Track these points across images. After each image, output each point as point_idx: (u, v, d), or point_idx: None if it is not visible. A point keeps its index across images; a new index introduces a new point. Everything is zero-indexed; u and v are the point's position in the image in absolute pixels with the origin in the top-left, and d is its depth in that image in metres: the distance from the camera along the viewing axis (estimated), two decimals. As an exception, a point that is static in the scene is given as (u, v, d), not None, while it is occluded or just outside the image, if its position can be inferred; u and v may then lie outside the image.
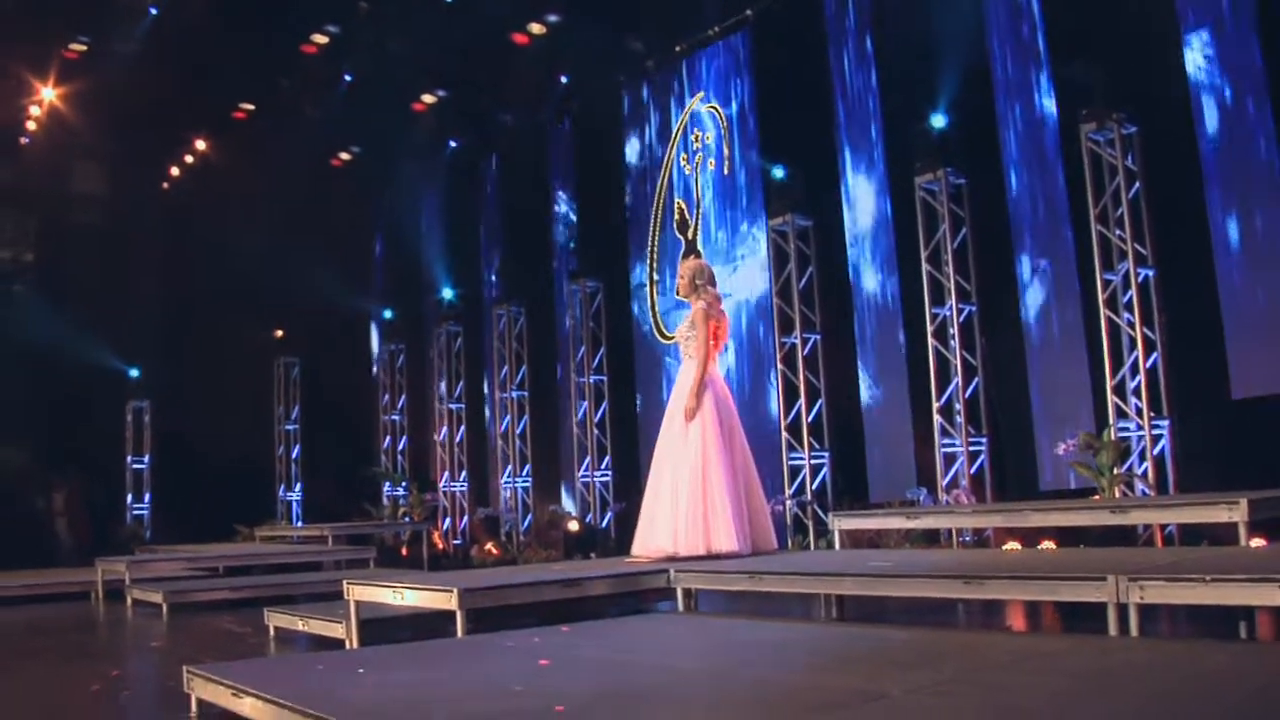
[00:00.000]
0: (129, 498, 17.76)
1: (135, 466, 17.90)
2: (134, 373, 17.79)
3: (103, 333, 16.63)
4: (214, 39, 14.03)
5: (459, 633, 5.47)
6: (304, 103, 15.96)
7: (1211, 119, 8.85)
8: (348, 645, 6.18)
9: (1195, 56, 8.93)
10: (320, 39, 14.88)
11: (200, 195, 16.99)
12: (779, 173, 11.99)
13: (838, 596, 6.24)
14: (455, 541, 16.29)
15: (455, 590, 5.52)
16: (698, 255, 12.85)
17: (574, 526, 13.63)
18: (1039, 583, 4.70)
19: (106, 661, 6.89)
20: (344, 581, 6.44)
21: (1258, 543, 5.92)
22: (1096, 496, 8.71)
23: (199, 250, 16.84)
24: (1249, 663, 3.92)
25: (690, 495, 6.70)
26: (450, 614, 5.55)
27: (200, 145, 17.23)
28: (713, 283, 7.34)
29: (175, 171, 17.71)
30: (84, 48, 14.76)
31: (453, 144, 16.95)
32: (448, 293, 16.95)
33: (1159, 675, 3.63)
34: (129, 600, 10.24)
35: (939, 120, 10.50)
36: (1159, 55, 9.06)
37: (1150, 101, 9.21)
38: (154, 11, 14.13)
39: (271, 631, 7.46)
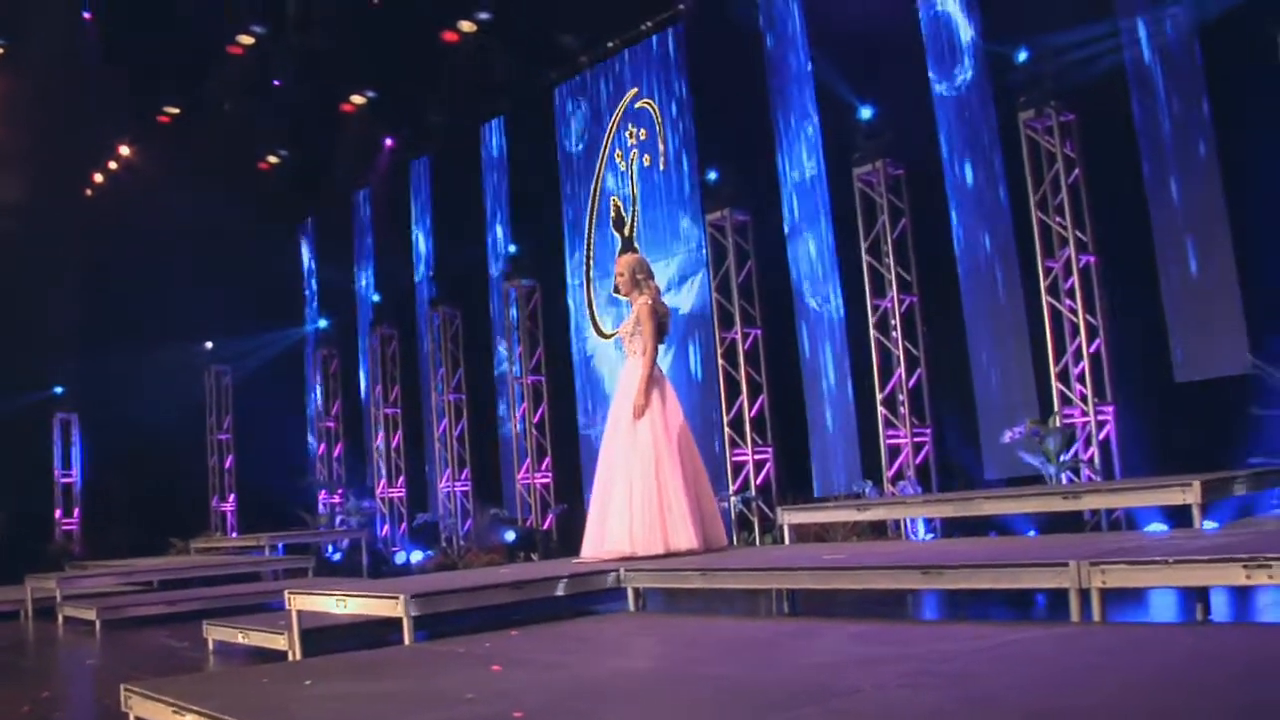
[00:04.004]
0: (58, 513, 17.30)
1: (63, 481, 17.45)
2: (58, 388, 17.36)
3: (26, 344, 16.16)
4: (138, 41, 13.73)
5: (406, 640, 5.31)
6: (231, 105, 15.66)
7: (1147, 105, 8.89)
8: (290, 657, 6.00)
9: (1131, 42, 8.97)
10: (246, 40, 14.62)
11: (125, 202, 16.61)
12: (714, 169, 11.87)
13: (789, 591, 6.17)
14: (394, 548, 16.05)
15: (402, 597, 5.35)
16: (634, 251, 12.72)
17: (510, 536, 13.38)
18: (999, 570, 4.62)
19: (38, 682, 6.66)
20: (285, 591, 6.27)
21: (1209, 525, 5.92)
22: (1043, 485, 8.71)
23: (125, 258, 16.44)
24: (1215, 646, 3.86)
25: (644, 495, 6.57)
26: (396, 621, 5.39)
27: (124, 151, 16.86)
28: (652, 276, 7.23)
29: (99, 178, 17.31)
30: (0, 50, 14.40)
31: (386, 143, 16.70)
32: (379, 296, 16.71)
33: (1129, 661, 3.56)
34: (60, 618, 9.99)
35: (875, 111, 10.46)
36: (1095, 41, 9.07)
37: (1087, 88, 9.22)
38: (87, 15, 13.82)
39: (210, 645, 7.27)
